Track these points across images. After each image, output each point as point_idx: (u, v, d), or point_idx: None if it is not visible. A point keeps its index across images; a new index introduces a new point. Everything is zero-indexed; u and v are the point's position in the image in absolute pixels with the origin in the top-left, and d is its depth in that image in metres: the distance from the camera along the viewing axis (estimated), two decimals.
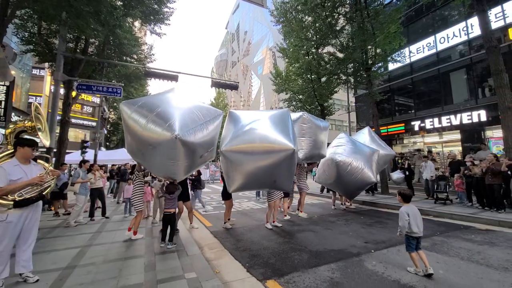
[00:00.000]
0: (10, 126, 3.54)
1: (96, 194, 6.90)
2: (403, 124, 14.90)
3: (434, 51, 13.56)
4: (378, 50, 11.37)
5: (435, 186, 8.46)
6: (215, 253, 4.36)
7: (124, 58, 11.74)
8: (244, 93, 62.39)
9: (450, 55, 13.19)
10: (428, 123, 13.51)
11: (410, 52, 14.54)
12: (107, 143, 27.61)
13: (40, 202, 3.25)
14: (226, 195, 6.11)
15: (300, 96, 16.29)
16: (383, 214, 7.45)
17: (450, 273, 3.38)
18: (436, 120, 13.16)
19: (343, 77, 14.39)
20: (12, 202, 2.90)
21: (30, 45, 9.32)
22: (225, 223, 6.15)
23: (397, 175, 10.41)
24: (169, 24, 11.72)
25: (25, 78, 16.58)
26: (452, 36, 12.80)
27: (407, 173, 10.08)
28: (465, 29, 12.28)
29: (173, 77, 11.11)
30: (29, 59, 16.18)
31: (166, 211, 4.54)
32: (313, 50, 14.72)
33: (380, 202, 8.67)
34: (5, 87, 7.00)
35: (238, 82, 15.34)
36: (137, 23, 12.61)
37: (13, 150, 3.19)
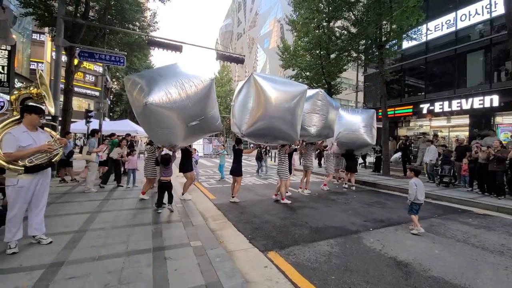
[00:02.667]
0: (15, 93, 3.48)
1: (114, 163, 7.15)
2: (411, 107, 14.56)
3: (453, 29, 12.77)
4: (393, 26, 10.73)
5: (440, 170, 8.51)
6: (218, 224, 4.53)
7: (127, 25, 11.23)
8: (249, 68, 60.58)
9: (469, 34, 12.44)
10: (437, 106, 13.17)
11: (427, 29, 13.71)
12: (111, 114, 27.58)
13: (49, 169, 3.31)
14: (239, 172, 6.22)
15: (308, 73, 15.78)
16: (382, 195, 7.58)
17: (445, 252, 3.50)
18: (446, 103, 12.81)
19: (354, 54, 13.77)
20: (23, 168, 2.96)
21: (29, 7, 8.89)
22: (233, 197, 6.25)
23: (396, 155, 10.76)
24: None
25: (26, 43, 16.10)
26: (474, 13, 11.96)
27: (400, 153, 10.35)
28: (488, 6, 11.44)
29: (177, 48, 10.70)
30: (28, 23, 15.56)
31: (162, 179, 4.88)
32: (324, 24, 13.95)
33: (381, 183, 8.79)
34: (6, 51, 6.82)
35: (244, 56, 14.79)
36: None
37: (19, 117, 3.18)
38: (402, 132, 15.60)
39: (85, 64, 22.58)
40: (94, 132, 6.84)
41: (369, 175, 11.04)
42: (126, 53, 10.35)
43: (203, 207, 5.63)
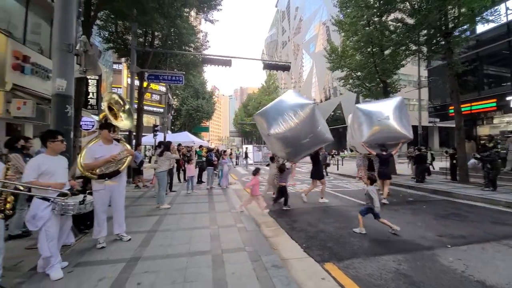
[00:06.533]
0: (102, 113, 4.20)
1: (170, 171, 7.92)
2: (494, 100, 12.13)
3: None
4: (462, 9, 9.29)
5: None
6: (272, 231, 4.53)
7: (184, 47, 12.58)
8: (295, 74, 60.28)
9: None
10: None
11: (507, 8, 11.39)
12: (172, 127, 30.88)
13: (124, 176, 3.83)
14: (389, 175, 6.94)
15: (359, 73, 14.82)
16: (461, 205, 6.44)
17: None
18: None
19: (413, 47, 12.36)
20: (96, 176, 3.48)
21: (110, 43, 10.82)
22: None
23: (472, 160, 9.11)
24: (221, 9, 11.92)
25: (108, 72, 19.53)
26: None
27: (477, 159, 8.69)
28: None
29: (226, 62, 11.45)
30: (109, 55, 18.88)
31: (279, 184, 6.19)
32: (375, 19, 12.96)
33: (458, 193, 7.48)
34: (95, 80, 8.47)
35: (290, 63, 14.85)
36: (192, 13, 13.23)
37: None
38: (483, 131, 13.11)
39: (151, 85, 26.05)
40: (160, 144, 7.75)
41: (441, 182, 9.55)
42: (184, 73, 11.56)
43: (255, 213, 5.71)
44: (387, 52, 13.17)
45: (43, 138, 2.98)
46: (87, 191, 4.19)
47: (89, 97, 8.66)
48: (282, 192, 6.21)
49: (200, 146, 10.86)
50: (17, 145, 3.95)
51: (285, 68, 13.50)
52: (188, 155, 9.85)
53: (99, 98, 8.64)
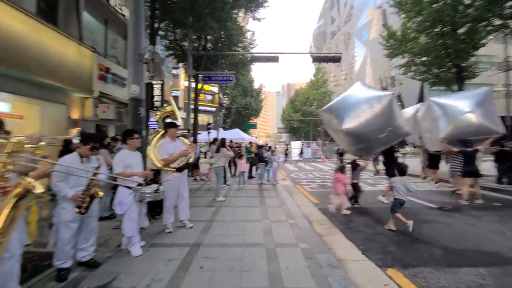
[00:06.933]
0: (158, 113, 4.66)
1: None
2: None
3: None
4: None
5: None
6: (325, 229, 4.38)
7: (233, 48, 13.09)
8: (345, 65, 56.45)
9: None
10: None
11: None
12: (223, 125, 32.56)
13: (186, 170, 4.22)
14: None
15: (424, 58, 12.99)
16: None
17: None
18: None
19: (497, 22, 10.21)
20: (174, 169, 3.92)
21: (170, 50, 11.99)
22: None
23: None
24: (268, 6, 11.96)
25: (169, 77, 21.69)
26: None
27: None
28: None
29: (274, 59, 11.47)
30: (169, 62, 20.94)
31: (352, 181, 5.99)
32: None
33: None
34: (160, 85, 9.60)
35: (340, 53, 13.97)
36: (240, 13, 13.62)
37: (163, 131, 4.18)
38: None
39: (204, 86, 27.89)
40: (215, 140, 8.31)
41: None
42: (234, 72, 12.06)
43: (307, 210, 5.60)
44: (461, 30, 11.19)
45: (124, 136, 3.51)
46: (158, 182, 4.76)
47: (154, 100, 9.85)
48: (354, 189, 6.10)
49: (250, 143, 11.22)
50: (104, 142, 4.75)
51: (335, 59, 12.81)
52: (239, 151, 10.27)
53: (163, 100, 9.74)
